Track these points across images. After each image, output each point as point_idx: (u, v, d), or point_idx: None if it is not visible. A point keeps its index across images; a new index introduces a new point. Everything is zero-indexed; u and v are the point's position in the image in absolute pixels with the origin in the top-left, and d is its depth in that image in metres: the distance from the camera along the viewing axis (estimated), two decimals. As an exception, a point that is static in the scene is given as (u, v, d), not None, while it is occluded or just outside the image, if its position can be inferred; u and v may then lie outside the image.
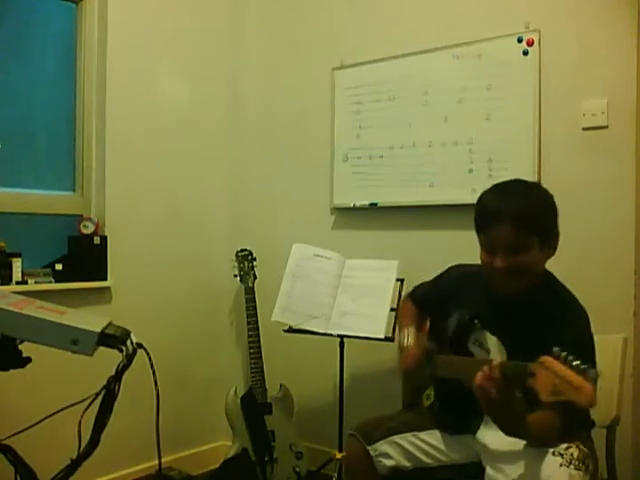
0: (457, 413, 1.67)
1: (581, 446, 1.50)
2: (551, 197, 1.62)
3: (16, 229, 2.61)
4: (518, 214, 1.53)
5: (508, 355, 1.61)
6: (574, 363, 1.22)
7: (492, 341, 1.66)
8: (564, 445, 1.49)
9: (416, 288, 2.09)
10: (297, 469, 2.73)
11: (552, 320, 1.57)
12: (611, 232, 2.21)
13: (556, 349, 1.25)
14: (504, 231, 1.54)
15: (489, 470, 1.61)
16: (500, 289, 1.62)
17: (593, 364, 1.45)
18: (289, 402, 2.83)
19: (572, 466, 1.45)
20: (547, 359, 1.26)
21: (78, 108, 2.80)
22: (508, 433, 1.44)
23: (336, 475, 2.47)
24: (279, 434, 2.74)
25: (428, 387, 1.84)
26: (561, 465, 1.45)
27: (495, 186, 1.66)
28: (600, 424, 1.78)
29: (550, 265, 1.67)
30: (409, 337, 1.87)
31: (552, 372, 1.24)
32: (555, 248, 1.62)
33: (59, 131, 2.83)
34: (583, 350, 1.40)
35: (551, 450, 1.49)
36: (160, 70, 2.97)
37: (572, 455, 1.47)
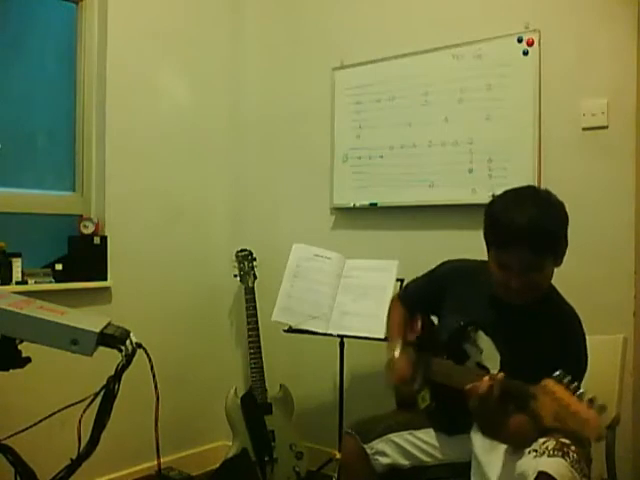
0: (452, 415, 1.67)
1: (562, 439, 1.48)
2: (565, 211, 1.58)
3: (16, 229, 2.61)
4: (540, 239, 1.50)
5: (501, 357, 1.61)
6: (579, 392, 1.16)
7: (484, 340, 1.66)
8: (541, 440, 1.49)
9: (407, 286, 2.08)
10: (297, 469, 2.73)
11: (550, 332, 1.58)
12: (611, 232, 2.21)
13: (557, 373, 1.22)
14: (524, 254, 1.50)
15: (473, 469, 1.64)
16: (510, 300, 1.62)
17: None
18: (289, 402, 2.83)
19: (545, 455, 1.45)
20: (549, 382, 1.23)
21: (78, 108, 2.80)
22: (488, 436, 1.53)
23: (336, 475, 2.47)
24: (279, 434, 2.74)
25: (423, 389, 1.83)
26: (534, 457, 1.46)
27: (511, 200, 1.59)
28: (600, 424, 1.78)
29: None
30: (397, 351, 1.85)
31: (554, 398, 1.20)
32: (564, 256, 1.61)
33: (59, 131, 2.83)
34: (578, 374, 1.44)
35: (527, 450, 1.50)
36: (160, 70, 2.97)
37: (547, 447, 1.47)
